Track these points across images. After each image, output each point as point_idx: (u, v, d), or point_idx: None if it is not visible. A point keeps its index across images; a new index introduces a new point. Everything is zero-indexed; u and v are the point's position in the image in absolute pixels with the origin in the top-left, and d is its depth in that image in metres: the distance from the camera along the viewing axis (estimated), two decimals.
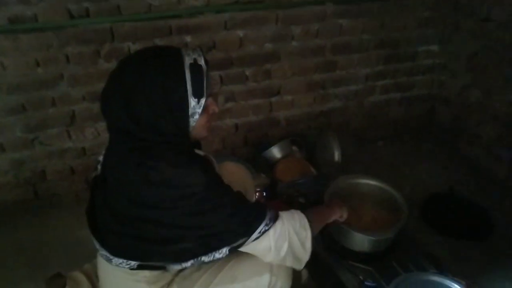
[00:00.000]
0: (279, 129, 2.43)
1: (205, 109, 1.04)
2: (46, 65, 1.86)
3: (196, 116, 1.03)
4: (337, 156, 2.17)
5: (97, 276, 1.49)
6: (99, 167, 1.18)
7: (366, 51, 2.36)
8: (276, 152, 2.20)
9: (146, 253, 1.06)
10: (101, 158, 1.19)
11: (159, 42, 1.94)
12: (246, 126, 2.35)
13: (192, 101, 1.00)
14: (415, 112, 2.71)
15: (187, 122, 1.02)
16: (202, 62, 1.01)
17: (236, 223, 1.05)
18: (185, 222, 1.02)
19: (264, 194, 2.02)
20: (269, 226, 1.09)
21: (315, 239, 1.20)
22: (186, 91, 0.98)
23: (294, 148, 2.29)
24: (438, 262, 1.70)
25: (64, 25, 1.80)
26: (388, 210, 1.72)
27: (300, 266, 1.22)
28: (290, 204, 2.01)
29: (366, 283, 1.59)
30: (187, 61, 0.99)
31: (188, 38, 1.98)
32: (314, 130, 2.48)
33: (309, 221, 1.19)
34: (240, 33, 2.07)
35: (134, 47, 1.92)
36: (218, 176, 1.09)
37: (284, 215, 1.15)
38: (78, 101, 1.98)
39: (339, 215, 1.45)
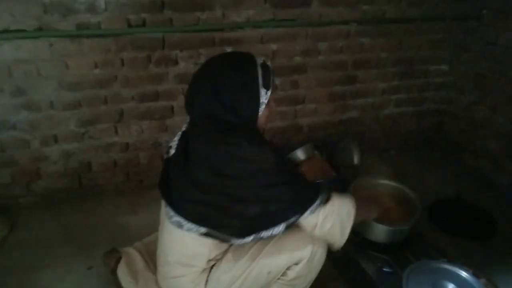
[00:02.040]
0: (301, 135, 2.66)
1: (268, 103, 1.29)
2: (103, 67, 2.09)
3: (263, 106, 1.28)
4: (356, 159, 2.39)
5: (148, 252, 1.71)
6: (171, 151, 1.40)
7: (383, 68, 2.61)
8: (300, 154, 2.41)
9: (217, 222, 1.27)
10: (173, 143, 1.41)
11: (203, 51, 2.19)
12: (272, 131, 2.57)
13: (262, 91, 1.26)
14: (425, 125, 2.94)
15: (258, 107, 1.27)
16: (269, 63, 1.31)
17: (294, 199, 1.26)
18: (257, 193, 1.23)
19: None
20: (320, 206, 1.29)
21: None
22: (258, 82, 1.25)
23: (316, 152, 2.50)
24: (446, 254, 1.90)
25: (123, 32, 2.04)
26: (403, 206, 1.94)
27: (335, 248, 1.42)
28: None
29: (384, 269, 1.80)
30: (258, 61, 1.29)
31: (229, 49, 2.22)
32: (334, 137, 2.71)
33: (355, 211, 1.37)
34: (274, 46, 2.32)
35: (181, 54, 2.16)
36: (284, 157, 1.34)
37: (336, 200, 1.34)
38: (128, 100, 2.21)
39: (375, 215, 1.66)
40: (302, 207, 1.27)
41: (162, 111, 2.29)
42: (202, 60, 2.21)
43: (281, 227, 1.28)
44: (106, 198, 2.39)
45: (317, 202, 1.28)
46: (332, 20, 2.34)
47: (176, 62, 2.19)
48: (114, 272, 1.67)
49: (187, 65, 2.21)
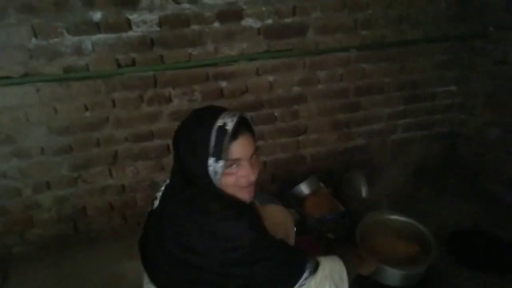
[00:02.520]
0: (305, 166, 2.54)
1: (232, 171, 1.12)
2: (93, 109, 2.02)
3: (218, 176, 1.10)
4: (364, 192, 2.26)
5: None
6: (156, 202, 1.29)
7: (387, 92, 2.50)
8: (304, 188, 2.30)
9: None
10: (158, 194, 1.30)
11: (197, 87, 2.11)
12: (274, 163, 2.46)
13: (211, 160, 1.08)
14: (436, 149, 2.80)
15: (207, 177, 1.11)
16: (229, 126, 1.08)
17: (279, 276, 1.13)
18: (230, 271, 1.10)
19: (295, 229, 2.09)
20: (310, 276, 1.17)
21: None
22: (208, 150, 1.08)
23: (321, 184, 2.38)
24: None
25: (112, 73, 1.97)
26: (417, 244, 1.79)
27: None
28: (319, 240, 2.10)
29: None
30: (217, 124, 1.08)
31: (223, 84, 2.14)
32: (339, 166, 2.58)
33: (347, 272, 1.25)
34: (270, 78, 2.23)
35: (175, 92, 2.09)
36: (264, 228, 1.16)
37: (326, 264, 1.22)
38: (121, 141, 2.13)
39: (369, 271, 1.51)
40: (288, 283, 1.15)
41: (157, 150, 2.20)
42: (197, 96, 2.14)
43: None
44: (103, 243, 2.30)
45: (305, 274, 1.16)
46: (330, 47, 2.24)
47: (169, 100, 2.11)
48: None
49: (181, 102, 2.13)
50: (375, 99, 2.49)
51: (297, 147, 2.48)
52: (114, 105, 2.04)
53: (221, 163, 1.09)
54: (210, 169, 1.09)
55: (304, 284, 1.16)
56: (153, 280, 1.22)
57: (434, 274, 1.87)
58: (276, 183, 2.52)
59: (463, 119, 2.71)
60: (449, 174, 2.77)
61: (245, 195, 1.18)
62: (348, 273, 1.26)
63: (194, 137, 1.10)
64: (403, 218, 1.90)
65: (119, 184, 2.23)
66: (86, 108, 2.01)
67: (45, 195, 2.13)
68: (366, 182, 2.28)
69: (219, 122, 1.09)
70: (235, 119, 1.10)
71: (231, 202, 1.14)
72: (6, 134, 1.95)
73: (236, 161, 1.13)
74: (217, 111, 1.14)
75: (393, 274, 1.67)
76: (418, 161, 2.77)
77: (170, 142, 2.19)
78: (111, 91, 2.01)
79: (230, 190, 1.15)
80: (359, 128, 2.55)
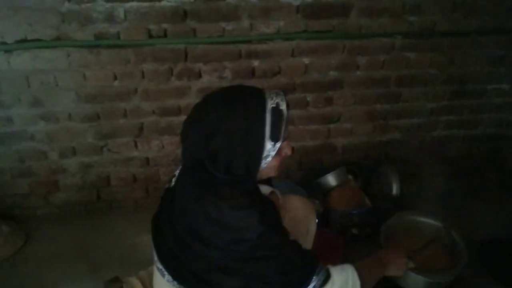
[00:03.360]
0: (334, 156, 2.43)
1: (278, 152, 1.05)
2: (122, 79, 1.99)
3: (269, 159, 1.04)
4: (395, 189, 2.13)
5: (151, 283, 1.56)
6: (173, 180, 1.24)
7: (432, 85, 2.32)
8: (331, 179, 2.20)
9: (191, 282, 1.09)
10: (177, 172, 1.25)
11: (228, 65, 2.03)
12: (302, 150, 2.37)
13: (269, 144, 1.02)
14: (479, 151, 2.62)
15: (259, 163, 1.04)
16: (283, 107, 1.03)
17: (283, 280, 1.05)
18: (232, 265, 1.03)
19: (317, 221, 2.01)
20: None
21: None
22: (264, 134, 1.01)
23: (350, 177, 2.27)
24: None
25: (143, 43, 1.92)
26: (446, 252, 1.67)
27: None
28: (343, 234, 2.01)
29: None
30: (269, 104, 1.02)
31: (256, 63, 2.05)
32: (371, 160, 2.46)
33: (361, 282, 1.14)
34: (306, 60, 2.11)
35: (205, 68, 2.02)
36: (277, 224, 1.09)
37: (337, 278, 1.11)
38: (148, 114, 2.09)
39: (394, 272, 1.37)
40: (297, 285, 1.06)
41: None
42: (228, 74, 2.06)
43: None
44: (123, 213, 2.31)
45: (312, 284, 1.06)
46: (373, 32, 2.09)
47: (199, 75, 2.04)
48: None
49: (211, 79, 2.06)
50: (418, 91, 2.33)
51: (328, 135, 2.37)
52: (143, 76, 2.00)
53: (278, 145, 1.03)
54: (264, 153, 1.03)
55: None
56: (160, 258, 1.18)
57: (461, 284, 1.75)
58: (302, 171, 2.43)
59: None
60: (489, 179, 2.58)
61: (276, 173, 1.13)
62: (364, 281, 1.15)
63: (244, 120, 0.99)
64: (433, 222, 1.77)
65: (144, 157, 2.22)
66: (115, 77, 1.98)
67: (70, 160, 2.15)
68: (399, 179, 2.15)
69: (271, 103, 1.02)
70: (283, 98, 1.05)
71: (247, 190, 1.07)
72: (35, 97, 1.96)
73: (286, 139, 1.08)
74: (259, 91, 1.07)
75: (417, 280, 1.56)
76: (458, 161, 2.60)
77: None
78: (141, 62, 1.96)
79: (267, 172, 1.10)
80: (397, 121, 2.40)
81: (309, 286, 1.06)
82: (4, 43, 1.82)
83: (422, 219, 1.80)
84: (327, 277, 1.09)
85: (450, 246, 1.68)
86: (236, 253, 1.02)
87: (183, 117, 2.07)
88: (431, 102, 2.38)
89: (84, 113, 2.04)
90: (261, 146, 1.01)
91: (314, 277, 1.07)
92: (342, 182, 2.20)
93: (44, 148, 2.09)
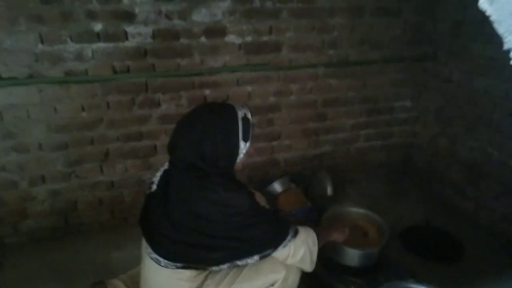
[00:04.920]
0: (278, 169, 2.82)
1: (247, 150, 1.43)
2: (90, 110, 2.25)
3: (241, 155, 1.42)
4: (329, 190, 2.55)
5: (133, 284, 1.79)
6: (154, 186, 1.53)
7: (351, 105, 2.83)
8: (277, 186, 2.56)
9: (194, 257, 1.40)
10: (155, 179, 1.54)
11: (184, 94, 2.37)
12: (251, 166, 2.72)
13: (242, 144, 1.40)
14: (394, 158, 3.14)
15: (235, 159, 1.41)
16: (249, 115, 1.42)
17: (267, 237, 1.42)
18: (230, 234, 1.37)
19: None
20: (291, 240, 1.46)
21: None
22: (238, 137, 1.38)
23: (293, 184, 2.65)
24: (416, 276, 2.03)
25: (108, 78, 2.21)
26: (374, 231, 2.08)
27: (308, 270, 1.59)
28: None
29: None
30: (239, 115, 1.40)
31: (207, 92, 2.41)
32: (309, 169, 2.87)
33: (318, 239, 1.57)
34: (249, 88, 2.52)
35: (164, 97, 2.34)
36: (255, 199, 1.46)
37: (302, 231, 1.52)
38: (113, 140, 2.35)
39: (335, 237, 1.80)
40: (275, 243, 1.44)
41: (145, 150, 2.43)
42: (183, 102, 2.39)
43: (255, 258, 1.44)
44: (91, 235, 2.47)
45: (288, 237, 1.45)
46: (301, 64, 2.57)
47: (159, 104, 2.36)
48: None
49: (169, 107, 2.38)
50: (340, 110, 2.82)
51: (272, 151, 2.76)
52: (108, 107, 2.27)
53: (247, 144, 1.40)
54: (239, 151, 1.39)
55: (286, 246, 1.44)
56: (154, 249, 1.44)
57: (389, 260, 2.16)
58: (253, 183, 2.78)
59: (417, 131, 3.07)
60: (404, 180, 3.11)
61: (242, 166, 1.49)
62: (318, 240, 1.56)
63: (223, 127, 1.36)
64: (362, 210, 2.19)
65: (109, 180, 2.44)
66: (83, 109, 2.23)
67: (40, 188, 2.31)
68: (332, 183, 2.57)
69: (240, 114, 1.39)
70: (247, 110, 1.44)
71: (231, 178, 1.45)
72: (8, 130, 2.14)
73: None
74: (230, 105, 1.44)
75: (352, 255, 1.95)
76: (378, 167, 3.10)
77: (158, 142, 2.43)
78: (106, 94, 2.24)
79: (238, 166, 1.45)
80: (326, 136, 2.86)
81: (286, 239, 1.45)
82: None
83: (352, 209, 2.21)
84: (296, 230, 1.49)
85: (375, 226, 2.10)
86: (234, 223, 1.36)
87: (144, 142, 2.38)
88: (352, 119, 2.88)
89: (54, 143, 2.25)
90: (237, 146, 1.39)
91: (290, 231, 1.46)
92: (286, 188, 2.57)
93: (14, 178, 2.24)
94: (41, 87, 2.13)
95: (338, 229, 1.81)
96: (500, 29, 0.61)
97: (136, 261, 1.80)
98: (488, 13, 0.62)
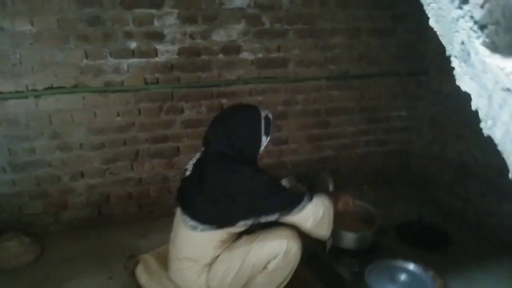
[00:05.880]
0: (286, 171, 3.14)
1: (266, 144, 1.80)
2: (124, 116, 2.63)
3: (262, 147, 1.79)
4: (331, 187, 2.85)
5: (160, 259, 2.11)
6: (187, 172, 1.88)
7: (351, 114, 3.16)
8: (284, 183, 2.87)
9: (226, 218, 1.74)
10: (188, 167, 1.89)
11: (204, 102, 2.74)
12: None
13: (263, 138, 1.76)
14: (392, 163, 3.44)
15: (259, 150, 1.79)
16: (270, 115, 1.80)
17: (287, 200, 1.75)
18: (257, 202, 1.71)
19: None
20: (307, 203, 1.76)
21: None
22: (261, 132, 1.75)
23: (298, 183, 2.96)
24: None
25: (140, 88, 2.59)
26: (368, 221, 2.39)
27: (326, 233, 1.88)
28: None
29: (353, 270, 2.21)
30: (262, 114, 1.77)
31: (224, 101, 2.78)
32: (313, 172, 3.18)
33: (331, 202, 1.86)
34: (260, 98, 2.88)
35: (186, 105, 2.71)
36: (272, 176, 1.81)
37: (318, 196, 1.82)
38: (142, 142, 2.71)
39: (343, 207, 2.03)
40: (293, 204, 1.75)
41: (170, 151, 2.79)
42: (203, 109, 2.76)
43: (276, 215, 1.75)
44: (121, 226, 2.80)
45: (305, 200, 1.75)
46: (306, 77, 2.93)
47: (182, 111, 2.73)
48: (133, 274, 2.06)
49: (191, 113, 2.75)
50: (341, 119, 3.15)
51: (280, 154, 3.10)
52: (139, 113, 2.65)
53: (268, 138, 1.78)
54: (261, 143, 1.77)
55: (305, 207, 1.74)
56: (193, 216, 1.76)
57: (384, 248, 2.45)
58: None
59: (412, 138, 3.38)
60: (401, 183, 3.40)
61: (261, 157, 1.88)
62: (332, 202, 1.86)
63: (249, 124, 1.74)
64: (358, 202, 2.49)
65: (138, 177, 2.79)
66: (118, 114, 2.61)
67: (79, 182, 2.67)
68: (333, 180, 2.88)
69: (263, 114, 1.77)
70: (269, 111, 1.83)
71: (253, 163, 1.81)
72: (55, 131, 2.53)
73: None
74: (255, 107, 1.83)
75: (349, 238, 2.25)
76: (377, 171, 3.40)
77: (180, 144, 2.79)
78: (138, 102, 2.62)
79: (259, 157, 1.85)
80: (329, 141, 3.19)
81: (303, 201, 1.74)
82: (35, 90, 2.42)
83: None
84: (311, 197, 1.79)
85: (369, 216, 2.40)
86: (257, 194, 1.69)
87: (169, 144, 2.74)
88: (352, 126, 3.21)
89: (92, 143, 2.62)
90: (260, 139, 1.76)
91: (305, 196, 1.76)
92: (292, 187, 2.88)
93: (58, 173, 2.62)
94: (84, 95, 2.51)
95: (343, 198, 2.06)
96: (443, 41, 0.86)
97: (160, 246, 2.15)
98: (435, 29, 0.88)
